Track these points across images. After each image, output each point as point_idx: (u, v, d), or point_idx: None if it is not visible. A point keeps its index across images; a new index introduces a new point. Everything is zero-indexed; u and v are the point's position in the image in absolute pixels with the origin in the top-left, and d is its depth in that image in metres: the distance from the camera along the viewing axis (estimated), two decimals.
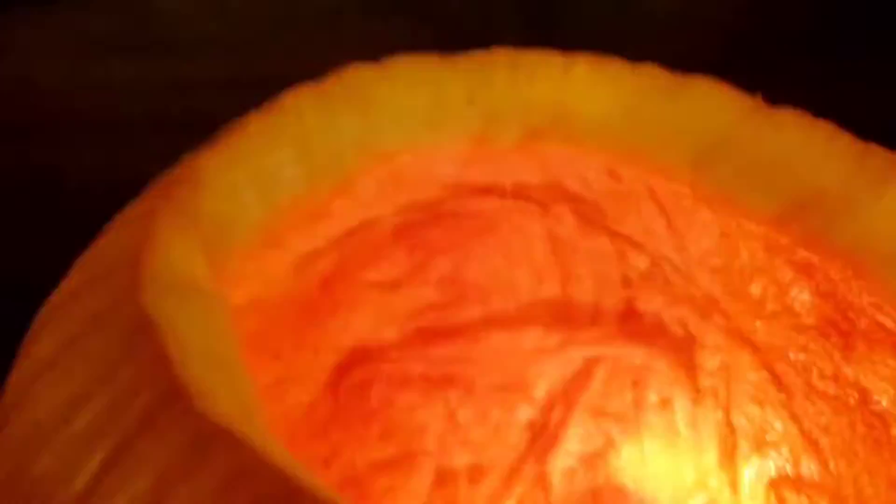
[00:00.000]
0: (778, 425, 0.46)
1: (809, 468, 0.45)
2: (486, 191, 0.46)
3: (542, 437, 0.53)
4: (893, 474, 0.40)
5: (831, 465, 0.44)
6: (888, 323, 0.35)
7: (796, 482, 0.46)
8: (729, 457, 0.49)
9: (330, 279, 0.45)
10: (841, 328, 0.40)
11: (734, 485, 0.49)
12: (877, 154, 0.37)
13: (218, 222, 0.33)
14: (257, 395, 0.29)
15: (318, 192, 0.38)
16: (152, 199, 0.33)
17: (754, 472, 0.48)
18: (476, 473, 0.52)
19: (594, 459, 0.53)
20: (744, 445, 0.48)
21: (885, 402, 0.39)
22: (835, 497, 0.44)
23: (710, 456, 0.50)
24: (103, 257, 0.32)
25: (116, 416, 0.27)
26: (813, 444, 0.45)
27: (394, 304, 0.49)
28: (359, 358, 0.49)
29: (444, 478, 0.51)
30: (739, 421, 0.48)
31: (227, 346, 0.30)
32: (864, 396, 0.41)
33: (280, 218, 0.36)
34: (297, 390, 0.48)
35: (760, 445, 0.48)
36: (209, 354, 0.28)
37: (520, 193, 0.46)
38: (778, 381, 0.46)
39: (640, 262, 0.48)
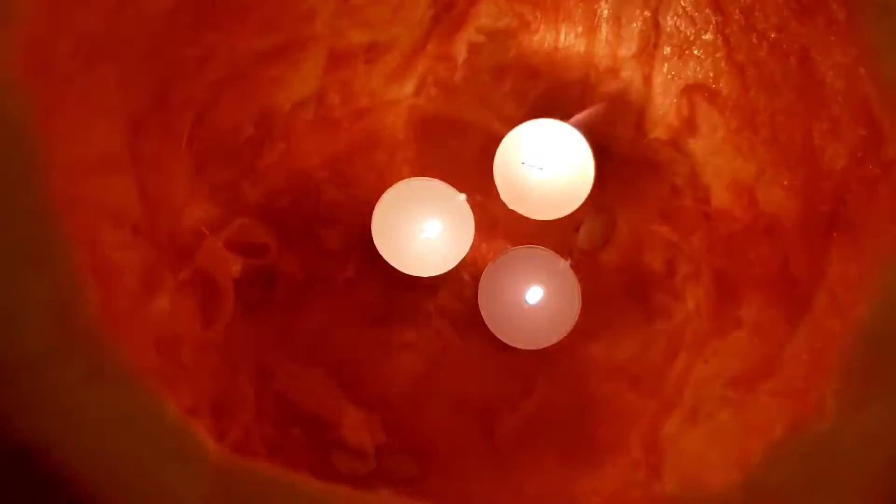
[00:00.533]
0: (707, 41, 0.42)
1: (729, 87, 0.43)
2: None
3: (450, 13, 0.47)
4: (812, 131, 0.38)
5: (752, 93, 0.41)
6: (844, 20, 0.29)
7: (713, 94, 0.44)
8: (648, 54, 0.45)
9: None
10: (804, 2, 0.34)
11: (648, 79, 0.46)
12: None
13: None
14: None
15: None
16: None
17: (672, 73, 0.45)
18: (374, 52, 0.48)
19: (504, 38, 0.48)
20: (666, 48, 0.44)
21: (829, 75, 0.35)
22: (748, 122, 0.42)
23: (629, 49, 0.46)
24: None
25: None
26: (738, 69, 0.41)
27: None
28: None
29: (338, 59, 0.47)
30: (668, 25, 0.44)
31: (25, 194, 0.23)
32: (805, 58, 0.36)
33: None
34: None
35: (684, 52, 0.44)
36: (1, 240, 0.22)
37: None
38: (717, 5, 0.40)
39: None
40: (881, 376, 0.22)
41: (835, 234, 0.37)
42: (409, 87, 0.48)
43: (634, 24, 0.44)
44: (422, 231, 0.46)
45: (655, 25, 0.43)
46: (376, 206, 0.46)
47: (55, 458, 0.20)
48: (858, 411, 0.22)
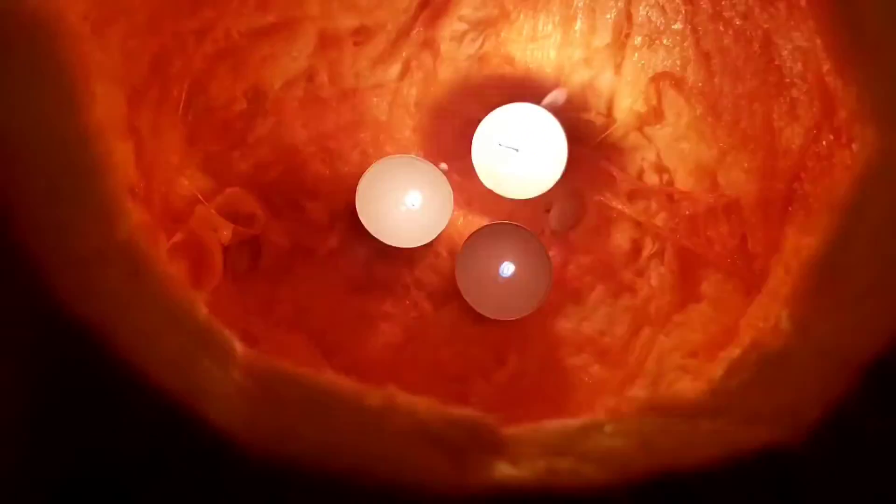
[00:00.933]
0: (676, 30, 0.45)
1: (696, 75, 0.46)
2: None
3: (435, 1, 0.50)
4: (771, 114, 0.41)
5: (718, 79, 0.45)
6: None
7: (679, 81, 0.47)
8: (620, 44, 0.48)
9: None
10: None
11: (619, 68, 0.49)
12: None
13: None
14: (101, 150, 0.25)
15: None
16: None
17: (642, 62, 0.48)
18: (362, 36, 0.50)
19: (485, 28, 0.51)
20: (638, 38, 0.48)
21: (789, 61, 0.38)
22: (712, 107, 0.46)
23: (602, 40, 0.49)
24: None
25: None
26: (705, 57, 0.45)
27: None
28: None
29: (327, 41, 0.49)
30: (640, 15, 0.47)
31: (73, 117, 0.25)
32: (768, 44, 0.39)
33: None
34: None
35: (654, 43, 0.47)
36: (56, 157, 0.24)
37: None
38: None
39: None
40: (830, 298, 0.25)
41: (790, 209, 0.40)
42: (394, 70, 0.50)
43: (608, 15, 0.47)
44: (403, 203, 0.49)
45: (628, 16, 0.46)
46: (361, 179, 0.49)
47: (108, 339, 0.22)
48: (811, 328, 0.25)
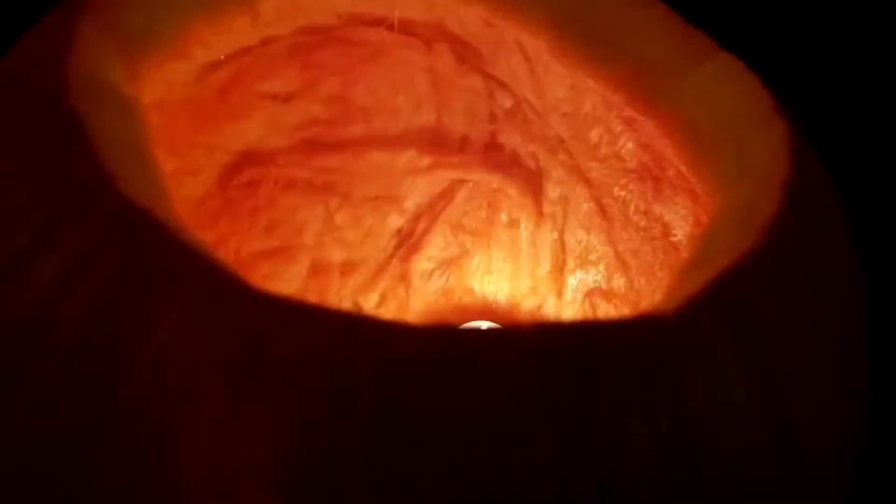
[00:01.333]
0: (598, 247, 0.56)
1: (619, 283, 0.56)
2: (377, 23, 0.51)
3: (408, 242, 0.61)
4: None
5: (636, 281, 0.54)
6: (687, 174, 0.44)
7: (608, 293, 0.57)
8: (559, 270, 0.59)
9: (227, 87, 0.50)
10: (654, 174, 0.49)
11: (560, 293, 0.59)
12: (697, 36, 0.45)
13: (135, 33, 0.38)
14: (164, 182, 0.35)
15: (225, 13, 0.43)
16: (73, 12, 0.37)
17: (576, 283, 0.58)
18: (348, 268, 0.60)
19: (450, 264, 0.62)
20: (571, 262, 0.58)
21: (680, 235, 0.49)
22: (635, 307, 0.55)
23: (544, 268, 0.60)
24: (25, 62, 0.36)
25: (42, 199, 0.33)
26: (624, 265, 0.55)
27: (284, 116, 0.55)
28: (249, 160, 0.55)
29: (318, 269, 0.60)
30: (570, 241, 0.58)
31: (140, 140, 0.35)
32: (666, 229, 0.50)
33: (188, 33, 0.41)
34: (192, 183, 0.54)
35: (584, 262, 0.58)
36: (125, 147, 0.34)
37: (406, 29, 0.52)
38: (603, 211, 0.55)
39: (505, 102, 0.55)
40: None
41: None
42: (372, 298, 0.60)
43: (546, 246, 0.58)
44: None
45: (562, 245, 0.58)
46: None
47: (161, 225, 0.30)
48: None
